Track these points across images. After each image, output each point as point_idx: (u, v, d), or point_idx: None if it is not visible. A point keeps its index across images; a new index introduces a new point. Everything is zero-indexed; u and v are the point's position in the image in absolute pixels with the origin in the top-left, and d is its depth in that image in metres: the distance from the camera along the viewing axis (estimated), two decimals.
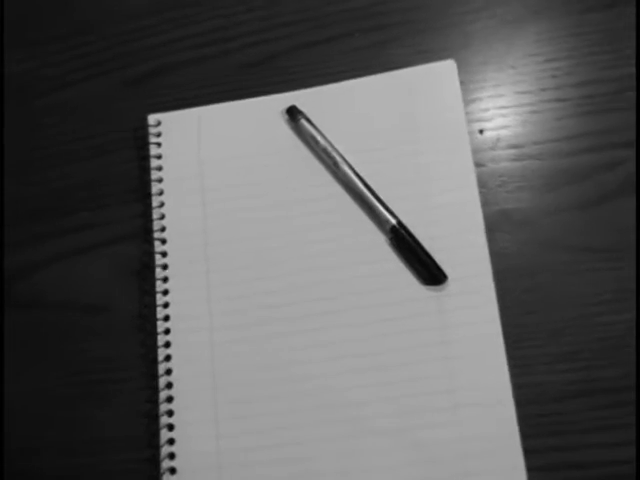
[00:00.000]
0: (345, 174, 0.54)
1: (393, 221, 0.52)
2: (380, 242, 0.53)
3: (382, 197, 0.54)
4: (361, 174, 0.54)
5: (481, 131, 0.55)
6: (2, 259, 0.58)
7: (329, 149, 0.55)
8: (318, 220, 0.55)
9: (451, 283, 0.51)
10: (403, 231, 0.52)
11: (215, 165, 0.57)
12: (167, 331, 0.54)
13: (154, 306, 0.54)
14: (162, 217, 0.57)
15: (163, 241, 0.56)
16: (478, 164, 0.54)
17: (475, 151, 0.54)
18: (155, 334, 0.54)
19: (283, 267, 0.54)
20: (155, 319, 0.54)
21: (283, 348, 0.52)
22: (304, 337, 0.52)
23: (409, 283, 0.52)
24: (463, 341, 0.50)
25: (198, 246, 0.55)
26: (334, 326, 0.52)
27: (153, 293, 0.55)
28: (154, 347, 0.53)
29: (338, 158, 0.55)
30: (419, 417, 0.49)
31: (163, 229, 0.56)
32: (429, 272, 0.51)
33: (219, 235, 0.55)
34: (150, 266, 0.55)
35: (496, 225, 0.53)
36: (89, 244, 0.57)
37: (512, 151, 0.54)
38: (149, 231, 0.56)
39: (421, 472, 0.48)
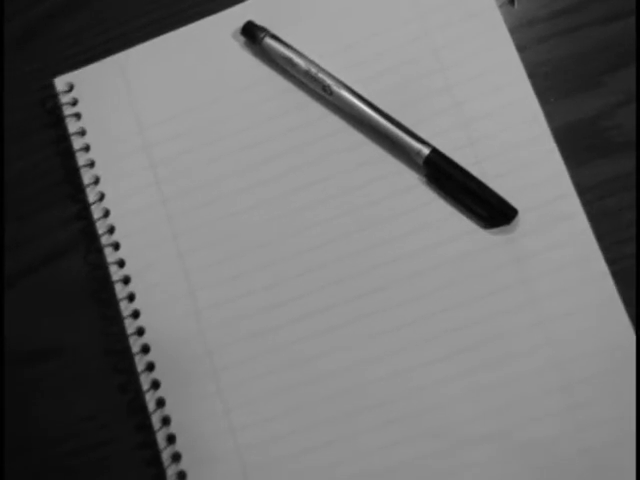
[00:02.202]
0: (343, 99, 0.39)
1: (426, 150, 0.37)
2: (412, 182, 0.38)
3: (402, 121, 0.38)
4: (362, 95, 0.39)
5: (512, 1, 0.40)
6: None
7: (313, 70, 0.39)
8: (321, 170, 0.39)
9: (523, 218, 0.37)
10: (442, 160, 0.37)
11: (161, 126, 0.41)
12: (151, 367, 0.39)
13: (124, 335, 0.39)
14: (106, 214, 0.41)
15: (115, 246, 0.40)
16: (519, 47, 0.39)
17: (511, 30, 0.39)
18: (134, 373, 0.39)
19: (291, 251, 0.39)
20: (130, 353, 0.39)
21: (315, 353, 0.38)
22: (332, 336, 0.37)
23: (464, 230, 0.38)
24: (559, 295, 0.36)
25: (165, 241, 0.40)
26: (376, 310, 0.38)
27: (119, 319, 0.39)
28: (137, 392, 0.39)
29: (329, 80, 0.39)
30: (520, 414, 0.35)
31: (111, 230, 0.41)
32: (490, 209, 0.37)
33: (190, 220, 0.40)
34: (106, 283, 0.40)
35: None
36: (14, 271, 0.42)
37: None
38: (93, 236, 0.41)
39: None
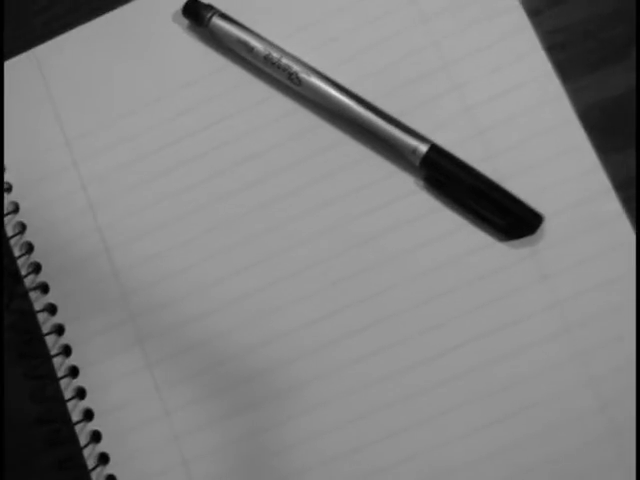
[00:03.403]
0: (315, 89, 0.31)
1: (423, 147, 0.30)
2: (407, 188, 0.31)
3: (389, 112, 0.30)
4: (339, 82, 0.31)
5: None
6: None
7: (275, 55, 0.31)
8: (291, 179, 0.32)
9: (549, 225, 0.30)
10: (444, 159, 0.30)
11: (90, 137, 0.33)
12: (96, 436, 0.31)
13: (61, 401, 0.31)
14: (30, 249, 0.33)
15: (44, 288, 0.32)
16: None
17: None
18: (77, 448, 0.31)
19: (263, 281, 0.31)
20: (70, 422, 0.31)
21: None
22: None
23: (476, 245, 0.30)
24: (596, 320, 0.29)
25: (103, 274, 0.32)
26: (377, 348, 0.30)
27: (52, 377, 0.31)
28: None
29: (295, 66, 0.31)
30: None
31: (37, 268, 0.33)
32: (509, 217, 0.29)
33: (136, 248, 0.32)
34: (33, 335, 0.32)
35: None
36: None
37: None
38: (15, 275, 0.33)
39: None
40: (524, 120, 0.30)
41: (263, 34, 0.32)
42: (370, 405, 0.30)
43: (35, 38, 0.35)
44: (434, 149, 0.30)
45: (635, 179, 0.30)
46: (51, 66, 0.34)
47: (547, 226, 0.29)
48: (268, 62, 0.31)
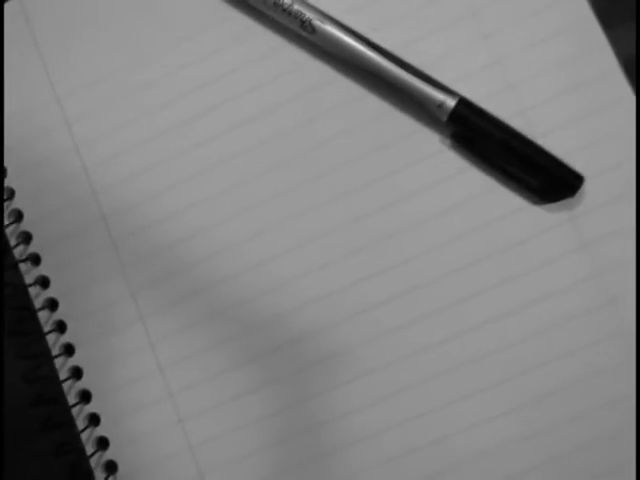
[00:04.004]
0: (331, 38, 0.28)
1: (451, 101, 0.27)
2: (433, 146, 0.28)
3: (414, 63, 0.28)
4: (357, 30, 0.28)
5: None
6: None
7: (285, 1, 0.28)
8: (306, 138, 0.29)
9: (590, 187, 0.27)
10: (474, 114, 0.27)
11: (81, 94, 0.30)
12: (95, 419, 0.29)
13: (56, 381, 0.29)
14: (27, 238, 0.30)
15: (35, 259, 0.30)
16: None
17: None
18: (75, 432, 0.29)
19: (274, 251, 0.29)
20: (66, 404, 0.29)
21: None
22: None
23: (509, 208, 0.27)
24: None
25: (101, 243, 0.29)
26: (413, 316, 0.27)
27: (53, 380, 0.29)
28: None
29: (309, 13, 0.28)
30: None
31: (28, 238, 0.30)
32: (546, 177, 0.27)
33: (136, 248, 0.29)
34: (25, 310, 0.30)
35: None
36: None
37: None
38: (5, 246, 0.30)
39: None
40: (561, 71, 0.28)
41: None
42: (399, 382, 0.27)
43: None
44: (463, 103, 0.27)
45: None
46: (37, 13, 0.31)
47: (587, 188, 0.27)
48: (278, 8, 0.28)
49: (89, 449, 0.29)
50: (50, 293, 0.29)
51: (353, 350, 0.27)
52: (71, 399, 0.29)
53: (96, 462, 0.29)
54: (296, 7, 0.28)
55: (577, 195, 0.26)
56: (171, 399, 0.28)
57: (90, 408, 0.29)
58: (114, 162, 0.30)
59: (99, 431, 0.29)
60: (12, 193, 0.30)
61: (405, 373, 0.27)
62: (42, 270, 0.30)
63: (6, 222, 0.30)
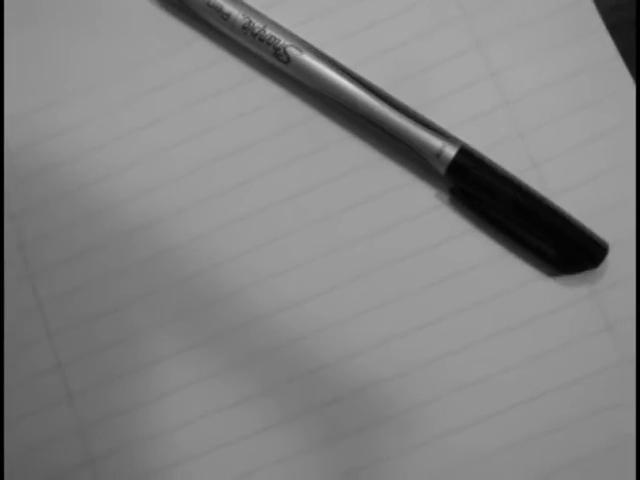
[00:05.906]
0: (308, 69, 0.23)
1: (451, 149, 0.22)
2: (428, 202, 0.23)
3: (403, 101, 0.23)
4: (339, 62, 0.24)
5: None
6: None
7: (257, 25, 0.24)
8: (281, 185, 0.24)
9: (614, 257, 0.22)
10: (477, 166, 0.22)
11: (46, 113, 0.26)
12: None
13: None
14: None
15: None
16: None
17: None
18: None
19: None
20: None
21: None
22: None
23: (519, 280, 0.23)
24: None
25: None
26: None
27: None
28: None
29: (283, 39, 0.23)
30: None
31: None
32: (565, 245, 0.22)
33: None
34: None
35: None
36: None
37: None
38: None
39: None
40: (579, 118, 0.23)
41: None
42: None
43: None
44: (465, 152, 0.22)
45: None
46: None
47: (611, 258, 0.22)
48: (248, 33, 0.24)
49: None
50: None
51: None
52: None
53: None
54: (269, 32, 0.24)
55: (600, 266, 0.22)
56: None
57: None
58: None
59: None
60: None
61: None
62: None
63: None
